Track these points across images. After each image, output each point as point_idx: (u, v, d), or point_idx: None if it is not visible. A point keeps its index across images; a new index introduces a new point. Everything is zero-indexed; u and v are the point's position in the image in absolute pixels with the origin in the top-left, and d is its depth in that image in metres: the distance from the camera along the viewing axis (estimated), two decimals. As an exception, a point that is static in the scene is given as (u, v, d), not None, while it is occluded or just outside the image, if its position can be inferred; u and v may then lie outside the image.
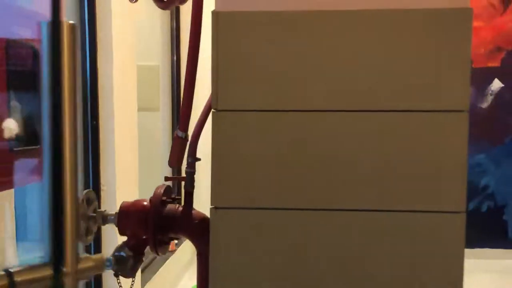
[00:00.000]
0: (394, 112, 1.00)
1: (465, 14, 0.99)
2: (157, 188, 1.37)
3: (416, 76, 0.99)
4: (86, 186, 2.57)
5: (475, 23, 4.45)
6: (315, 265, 1.02)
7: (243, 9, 1.02)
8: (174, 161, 1.25)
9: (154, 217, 1.31)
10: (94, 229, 1.42)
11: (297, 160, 1.02)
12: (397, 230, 1.01)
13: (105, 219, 1.38)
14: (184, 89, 1.16)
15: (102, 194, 2.56)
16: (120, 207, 1.37)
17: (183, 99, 1.18)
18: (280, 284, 1.04)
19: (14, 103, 1.31)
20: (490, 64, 4.50)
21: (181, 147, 1.23)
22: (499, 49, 4.49)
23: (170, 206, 1.36)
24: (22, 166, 1.32)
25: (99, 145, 2.57)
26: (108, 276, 2.59)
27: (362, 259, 1.02)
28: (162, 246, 1.37)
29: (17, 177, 1.35)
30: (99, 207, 1.72)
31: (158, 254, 1.37)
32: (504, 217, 4.57)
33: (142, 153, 3.00)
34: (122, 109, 2.64)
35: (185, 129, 1.21)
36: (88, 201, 1.41)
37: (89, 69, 2.56)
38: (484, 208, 4.57)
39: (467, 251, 3.75)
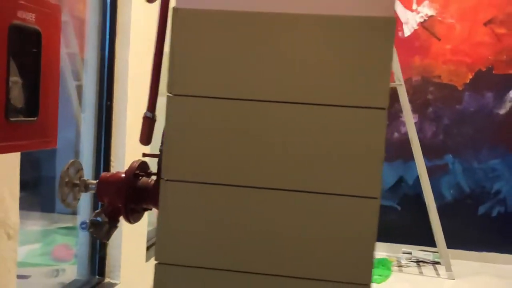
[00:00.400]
0: (322, 106, 1.13)
1: (389, 22, 1.11)
2: (133, 162, 1.54)
3: (342, 75, 1.13)
4: (98, 160, 2.77)
5: (499, 30, 4.48)
6: (245, 236, 1.17)
7: (200, 7, 1.17)
8: (144, 139, 1.41)
9: (126, 187, 1.47)
10: (79, 195, 1.60)
11: (238, 142, 1.17)
12: (320, 210, 1.15)
13: (87, 186, 1.55)
14: (151, 75, 1.32)
15: (112, 169, 2.75)
16: (100, 177, 1.54)
17: (150, 84, 1.34)
18: (219, 253, 1.19)
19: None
20: (511, 71, 4.52)
21: (149, 126, 1.39)
22: (521, 56, 4.51)
23: (143, 179, 1.52)
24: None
25: (112, 124, 2.76)
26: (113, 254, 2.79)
27: (287, 234, 1.16)
28: (134, 214, 1.53)
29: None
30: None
31: (130, 222, 1.54)
32: (514, 223, 4.61)
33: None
34: (136, 92, 2.82)
35: (153, 110, 1.37)
36: (75, 170, 1.59)
37: (107, 53, 2.75)
38: (494, 212, 4.61)
39: (475, 254, 3.85)
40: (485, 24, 4.53)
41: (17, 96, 1.50)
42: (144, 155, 1.56)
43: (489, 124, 4.57)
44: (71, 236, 3.55)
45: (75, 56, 3.11)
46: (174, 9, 1.18)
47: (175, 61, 1.18)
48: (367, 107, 1.12)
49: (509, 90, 4.55)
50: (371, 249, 1.14)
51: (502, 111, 4.57)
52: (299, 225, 1.15)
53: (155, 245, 1.21)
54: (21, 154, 2.37)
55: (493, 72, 4.55)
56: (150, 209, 1.60)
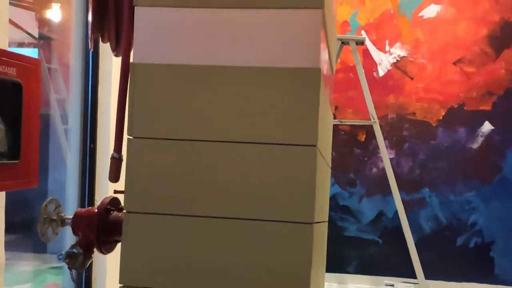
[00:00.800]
0: (259, 144, 1.31)
1: (315, 72, 1.30)
2: (105, 198, 1.71)
3: (276, 119, 1.31)
4: (82, 199, 2.93)
5: (468, 69, 4.72)
6: (197, 258, 1.34)
7: (154, 62, 1.36)
8: (112, 177, 1.58)
9: (98, 221, 1.64)
10: (57, 230, 1.76)
11: (190, 177, 1.34)
12: (257, 236, 1.31)
13: (63, 221, 1.72)
14: (116, 121, 1.51)
15: (96, 208, 2.91)
16: (75, 212, 1.71)
17: (115, 128, 1.52)
18: (173, 273, 1.35)
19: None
20: (481, 108, 4.74)
21: (117, 166, 1.56)
22: (490, 93, 4.73)
23: (114, 214, 1.69)
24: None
25: (96, 165, 2.94)
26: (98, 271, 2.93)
27: (231, 258, 1.32)
28: (106, 246, 1.69)
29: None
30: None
31: (103, 253, 1.70)
32: (491, 254, 4.75)
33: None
34: (118, 135, 3.00)
35: (119, 151, 1.55)
36: (53, 207, 1.76)
37: (90, 99, 2.94)
38: (472, 244, 4.76)
39: (456, 284, 4.00)
40: (455, 64, 4.76)
41: (0, 141, 1.68)
42: (116, 192, 1.73)
43: (463, 158, 4.77)
44: (61, 275, 3.68)
45: (63, 101, 3.31)
46: (132, 64, 1.37)
47: (134, 108, 1.36)
48: (299, 144, 1.31)
49: (480, 126, 4.76)
50: (307, 273, 1.30)
51: (475, 146, 4.77)
52: (242, 249, 1.32)
53: (120, 269, 1.37)
54: (14, 198, 2.53)
55: (465, 108, 4.77)
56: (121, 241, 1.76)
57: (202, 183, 1.33)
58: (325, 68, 1.51)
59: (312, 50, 1.30)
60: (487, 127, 4.75)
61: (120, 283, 1.38)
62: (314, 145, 1.31)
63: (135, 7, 1.37)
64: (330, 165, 2.02)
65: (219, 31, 1.33)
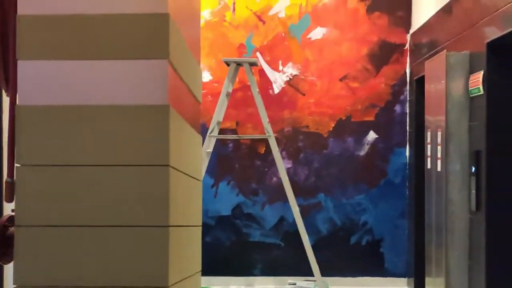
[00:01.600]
0: (122, 166, 1.66)
1: (163, 107, 1.66)
2: (4, 216, 2.00)
3: (135, 146, 1.66)
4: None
5: (353, 84, 5.24)
6: (77, 263, 1.67)
7: (35, 104, 1.68)
8: (7, 198, 1.88)
9: (-5, 236, 1.94)
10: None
11: (66, 194, 1.67)
12: (122, 240, 1.66)
13: (-31, 237, 2.00)
14: (8, 150, 1.82)
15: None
16: (-22, 230, 1.99)
17: (7, 156, 1.83)
18: (59, 277, 1.67)
19: None
20: (366, 119, 5.27)
21: (11, 189, 1.87)
22: (373, 105, 5.27)
23: (12, 229, 1.98)
24: None
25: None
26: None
27: (98, 260, 1.66)
28: (6, 257, 1.98)
29: None
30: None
31: (3, 263, 1.99)
32: (381, 250, 5.27)
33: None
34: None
35: (12, 176, 1.85)
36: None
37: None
38: (364, 241, 5.27)
39: (350, 279, 4.45)
40: (341, 80, 5.27)
41: None
42: (13, 210, 2.03)
43: (352, 164, 5.28)
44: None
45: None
46: (16, 106, 1.69)
47: (19, 141, 1.68)
48: (154, 165, 1.66)
49: (366, 135, 5.28)
50: (165, 265, 1.65)
51: (362, 153, 5.29)
52: (109, 250, 1.66)
53: (13, 272, 1.68)
54: None
55: (352, 120, 5.28)
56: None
57: (76, 199, 1.66)
58: (179, 101, 1.88)
59: (161, 90, 1.66)
60: (371, 135, 5.28)
61: (14, 284, 1.68)
62: (167, 165, 1.67)
63: (18, 60, 1.69)
64: (201, 178, 2.38)
65: (86, 77, 1.67)
